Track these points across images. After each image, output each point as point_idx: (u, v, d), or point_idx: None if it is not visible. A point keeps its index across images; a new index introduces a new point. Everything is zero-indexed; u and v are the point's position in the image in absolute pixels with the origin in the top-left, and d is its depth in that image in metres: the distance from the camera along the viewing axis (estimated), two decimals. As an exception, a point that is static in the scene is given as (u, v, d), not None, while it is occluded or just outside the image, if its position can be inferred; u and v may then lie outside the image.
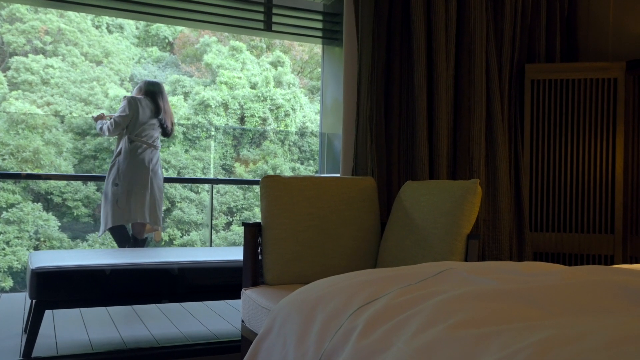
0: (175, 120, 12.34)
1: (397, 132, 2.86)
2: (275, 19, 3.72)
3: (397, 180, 2.84)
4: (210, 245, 5.46)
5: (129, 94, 3.89)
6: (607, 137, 2.88)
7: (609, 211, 2.87)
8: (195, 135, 11.15)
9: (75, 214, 9.64)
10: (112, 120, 3.68)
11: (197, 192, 10.49)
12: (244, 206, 10.80)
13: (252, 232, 2.30)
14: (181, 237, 10.19)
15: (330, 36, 3.88)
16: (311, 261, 2.30)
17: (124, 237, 3.77)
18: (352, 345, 0.96)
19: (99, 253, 3.14)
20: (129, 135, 3.67)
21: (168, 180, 6.80)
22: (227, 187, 10.80)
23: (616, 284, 1.03)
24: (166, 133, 3.87)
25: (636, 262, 2.75)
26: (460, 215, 2.10)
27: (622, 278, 1.06)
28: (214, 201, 10.55)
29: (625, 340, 0.73)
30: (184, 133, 10.92)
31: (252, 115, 11.94)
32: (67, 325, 3.02)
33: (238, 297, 2.53)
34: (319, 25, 3.83)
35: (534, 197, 3.00)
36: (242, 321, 2.19)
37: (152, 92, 3.83)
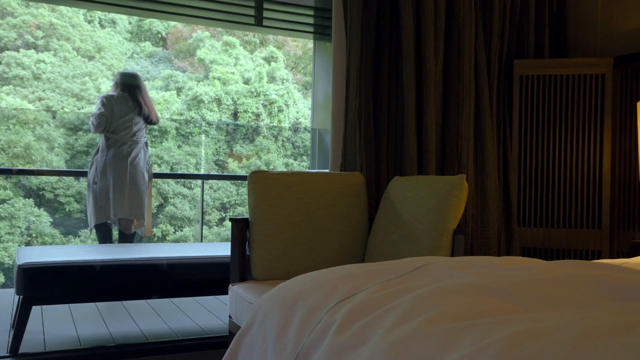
0: (168, 116, 12.27)
1: (386, 127, 2.86)
2: (266, 14, 3.71)
3: (386, 176, 2.85)
4: (201, 241, 5.45)
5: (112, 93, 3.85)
6: (595, 133, 2.89)
7: (596, 207, 2.88)
8: (188, 130, 11.12)
9: (67, 210, 9.60)
10: (90, 122, 3.70)
11: (190, 188, 10.46)
12: (237, 202, 10.79)
13: (240, 227, 2.29)
14: (174, 232, 10.17)
15: (321, 31, 3.87)
16: (299, 257, 2.31)
17: (107, 236, 3.77)
18: (329, 340, 0.96)
19: (86, 249, 3.13)
20: (105, 132, 3.66)
21: (158, 175, 6.76)
22: (220, 182, 10.78)
23: (592, 279, 1.04)
24: (151, 122, 3.84)
25: (622, 257, 2.77)
26: (447, 210, 2.11)
27: (599, 272, 1.07)
28: (207, 197, 10.53)
29: (594, 334, 0.74)
30: (176, 129, 10.88)
31: (245, 111, 11.92)
32: (56, 320, 3.02)
33: (227, 292, 2.53)
34: (310, 20, 3.82)
35: (522, 192, 3.01)
36: (230, 317, 2.20)
37: (129, 85, 3.80)
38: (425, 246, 2.13)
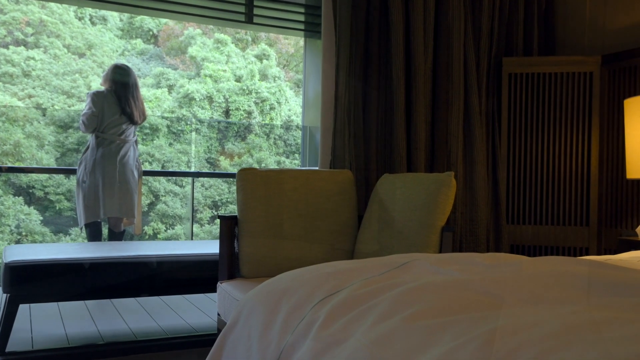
0: (159, 113, 12.18)
1: (376, 125, 2.86)
2: (256, 11, 3.70)
3: (375, 173, 2.85)
4: (192, 239, 5.42)
5: (101, 88, 3.78)
6: (583, 131, 2.90)
7: (584, 204, 2.90)
8: (179, 128, 11.08)
9: (57, 208, 9.54)
10: (80, 121, 3.64)
11: (181, 186, 10.43)
12: (228, 200, 10.77)
13: (229, 224, 2.29)
14: (165, 230, 10.14)
15: (311, 29, 3.87)
16: (287, 254, 2.30)
17: (96, 234, 3.74)
18: (312, 337, 0.96)
19: (74, 247, 3.11)
20: (96, 131, 3.61)
21: (148, 173, 6.72)
22: (212, 180, 10.75)
23: (575, 275, 1.04)
24: (134, 122, 3.75)
25: (610, 254, 2.79)
26: (435, 208, 2.12)
27: (580, 269, 1.08)
28: (199, 195, 10.50)
29: (574, 329, 0.74)
30: (168, 126, 10.84)
31: (237, 109, 11.88)
32: (44, 319, 3.00)
33: (216, 290, 2.52)
34: (301, 17, 3.82)
35: (510, 190, 3.02)
36: (218, 314, 2.19)
37: (120, 82, 3.71)
38: (413, 243, 2.14)
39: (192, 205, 4.74)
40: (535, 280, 1.01)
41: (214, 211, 10.72)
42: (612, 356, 0.63)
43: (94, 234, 3.72)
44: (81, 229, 3.76)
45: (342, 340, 0.90)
